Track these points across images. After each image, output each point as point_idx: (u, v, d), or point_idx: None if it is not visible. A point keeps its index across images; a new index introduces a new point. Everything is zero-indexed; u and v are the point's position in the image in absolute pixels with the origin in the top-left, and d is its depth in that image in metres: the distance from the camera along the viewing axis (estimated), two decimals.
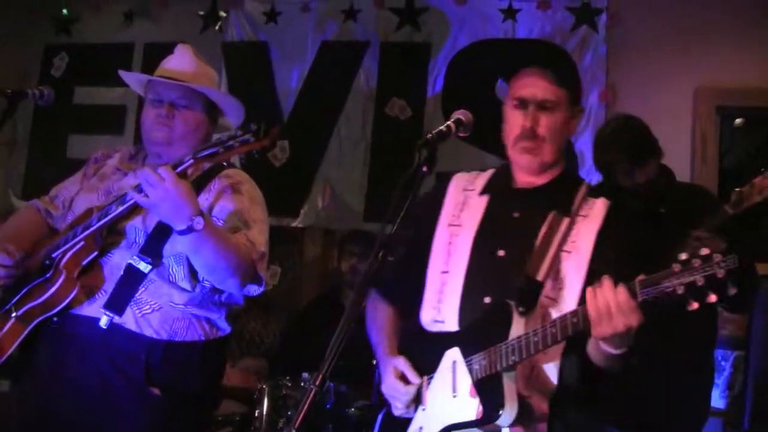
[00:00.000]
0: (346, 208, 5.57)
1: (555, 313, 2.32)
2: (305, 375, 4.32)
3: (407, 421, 2.50)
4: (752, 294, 3.76)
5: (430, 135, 2.24)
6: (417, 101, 5.53)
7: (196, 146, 2.68)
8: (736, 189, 3.29)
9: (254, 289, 2.82)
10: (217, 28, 5.98)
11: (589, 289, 2.11)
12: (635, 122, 3.75)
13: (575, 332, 2.14)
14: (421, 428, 2.44)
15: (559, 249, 2.41)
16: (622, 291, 2.03)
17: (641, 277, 2.02)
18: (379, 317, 2.74)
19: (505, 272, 2.41)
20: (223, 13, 5.98)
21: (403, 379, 2.49)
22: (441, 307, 2.51)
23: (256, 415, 4.26)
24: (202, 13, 6.00)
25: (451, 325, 2.47)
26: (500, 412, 2.22)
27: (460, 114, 2.38)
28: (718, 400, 4.74)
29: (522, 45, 5.34)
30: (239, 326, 5.57)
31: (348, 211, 5.55)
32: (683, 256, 1.93)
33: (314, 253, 5.80)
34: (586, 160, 5.00)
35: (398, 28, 5.63)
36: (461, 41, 5.48)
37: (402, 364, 2.51)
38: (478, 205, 2.61)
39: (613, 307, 2.04)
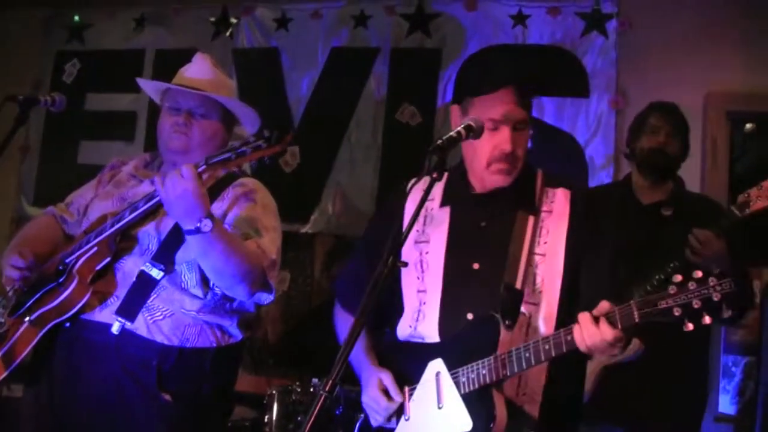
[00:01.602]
0: (356, 213, 5.56)
1: (537, 319, 2.37)
2: (315, 380, 4.33)
3: None
4: (746, 308, 3.76)
5: (440, 141, 2.23)
6: (428, 107, 5.51)
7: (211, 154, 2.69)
8: (747, 192, 3.29)
9: (265, 297, 2.83)
10: (228, 34, 5.98)
11: (575, 329, 2.15)
12: None
13: (569, 350, 2.17)
14: None
15: (531, 252, 2.42)
16: (604, 326, 2.10)
17: (636, 298, 2.07)
18: (348, 326, 2.71)
19: (483, 285, 2.41)
20: (233, 20, 5.98)
21: (386, 394, 2.47)
22: (418, 325, 2.50)
23: (266, 420, 4.26)
24: (213, 19, 6.02)
25: (432, 339, 2.46)
26: (491, 425, 2.23)
27: (470, 120, 2.36)
28: (728, 406, 4.72)
29: (532, 51, 5.32)
30: (249, 332, 5.58)
31: (359, 217, 5.53)
32: (678, 278, 2.00)
33: (325, 259, 5.79)
34: (596, 166, 5.00)
35: (409, 34, 5.62)
36: (472, 47, 5.45)
37: (387, 378, 2.48)
38: (441, 217, 2.58)
39: (600, 342, 2.11)
